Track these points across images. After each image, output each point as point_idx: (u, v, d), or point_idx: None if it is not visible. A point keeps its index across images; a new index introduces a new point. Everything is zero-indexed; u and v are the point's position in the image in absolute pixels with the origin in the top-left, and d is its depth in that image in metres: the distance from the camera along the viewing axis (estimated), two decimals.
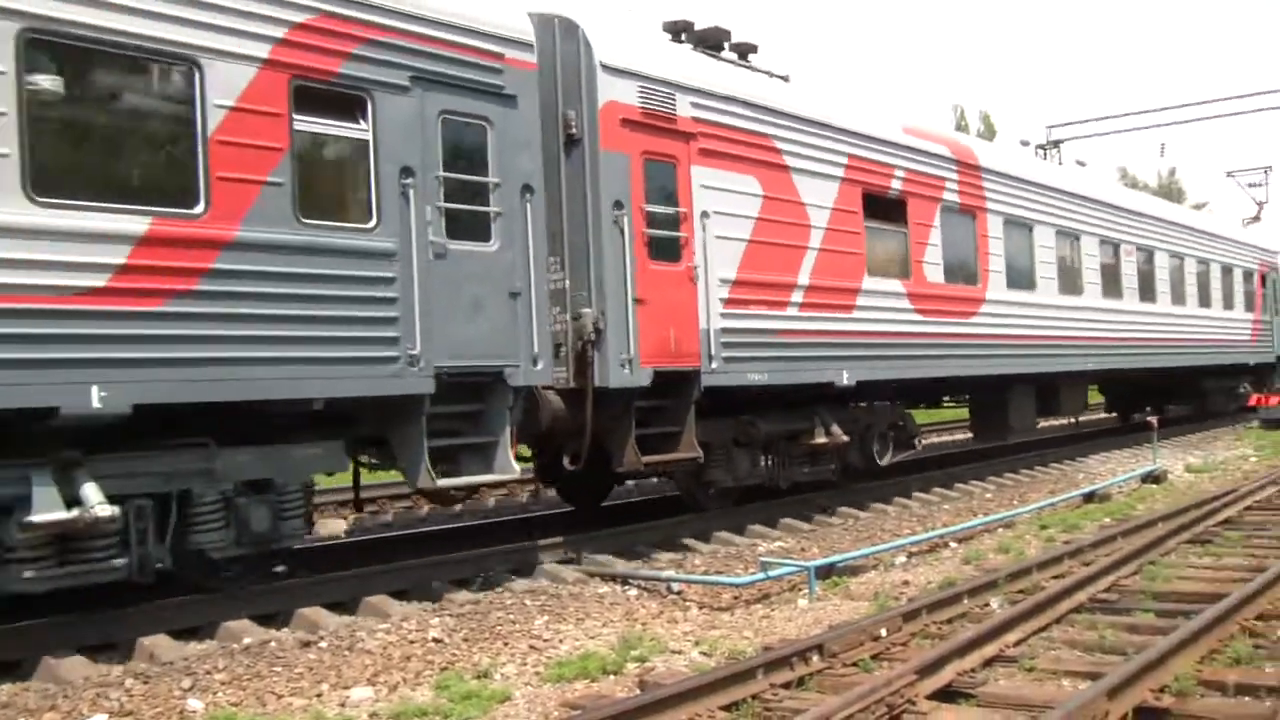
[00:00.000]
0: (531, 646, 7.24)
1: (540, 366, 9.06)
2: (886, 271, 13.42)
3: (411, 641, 7.23)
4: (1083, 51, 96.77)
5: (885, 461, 14.04)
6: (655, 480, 13.64)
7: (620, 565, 9.63)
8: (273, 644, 7.12)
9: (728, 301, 10.95)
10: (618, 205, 9.83)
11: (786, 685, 5.88)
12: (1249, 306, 25.18)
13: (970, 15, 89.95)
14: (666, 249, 10.38)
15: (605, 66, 9.79)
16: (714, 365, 10.71)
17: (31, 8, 6.33)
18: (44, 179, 6.36)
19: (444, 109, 8.44)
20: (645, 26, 12.22)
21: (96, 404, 6.46)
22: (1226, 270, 24.08)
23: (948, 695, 5.77)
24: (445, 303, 8.30)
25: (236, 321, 7.11)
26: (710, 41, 11.86)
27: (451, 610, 8.01)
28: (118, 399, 6.55)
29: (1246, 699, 5.53)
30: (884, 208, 13.48)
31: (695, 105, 10.74)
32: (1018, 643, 6.66)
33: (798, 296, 11.90)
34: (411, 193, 8.13)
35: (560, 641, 7.39)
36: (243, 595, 7.73)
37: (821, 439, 12.47)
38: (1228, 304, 24.08)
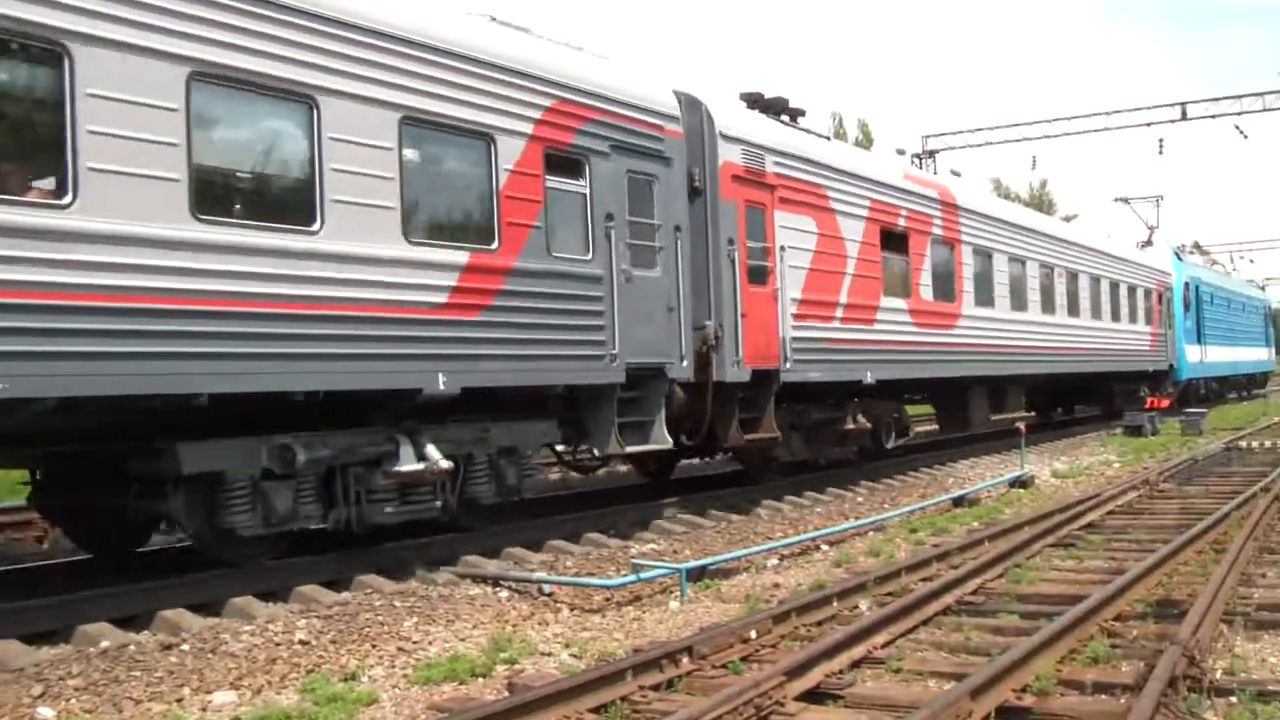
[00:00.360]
0: (400, 648, 7.22)
1: (685, 364, 11.84)
2: (895, 292, 16.55)
3: (277, 644, 7.11)
4: (958, 65, 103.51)
5: (890, 445, 17.24)
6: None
7: (491, 566, 9.54)
8: (132, 647, 6.87)
9: (796, 316, 13.88)
10: (730, 242, 12.66)
11: (655, 687, 5.90)
12: (1149, 320, 29.40)
13: (849, 25, 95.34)
14: (759, 275, 13.27)
15: (722, 135, 12.63)
16: (788, 365, 13.63)
17: (406, 101, 8.87)
18: (412, 224, 8.91)
19: (629, 168, 11.17)
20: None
21: (442, 387, 9.02)
22: (1132, 290, 28.20)
23: (816, 697, 5.82)
24: (630, 315, 11.01)
25: (516, 328, 9.73)
26: (775, 108, 14.80)
27: (319, 612, 7.85)
28: (453, 384, 9.11)
29: (1103, 696, 5.64)
30: (893, 240, 16.62)
31: (776, 163, 13.66)
32: (886, 644, 6.75)
33: (839, 312, 14.93)
34: (611, 232, 10.84)
35: (429, 643, 7.37)
36: (100, 594, 7.70)
37: (851, 425, 15.56)
38: (1132, 319, 28.19)
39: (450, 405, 9.47)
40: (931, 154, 36.66)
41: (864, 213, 15.74)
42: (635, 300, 11.12)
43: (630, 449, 11.19)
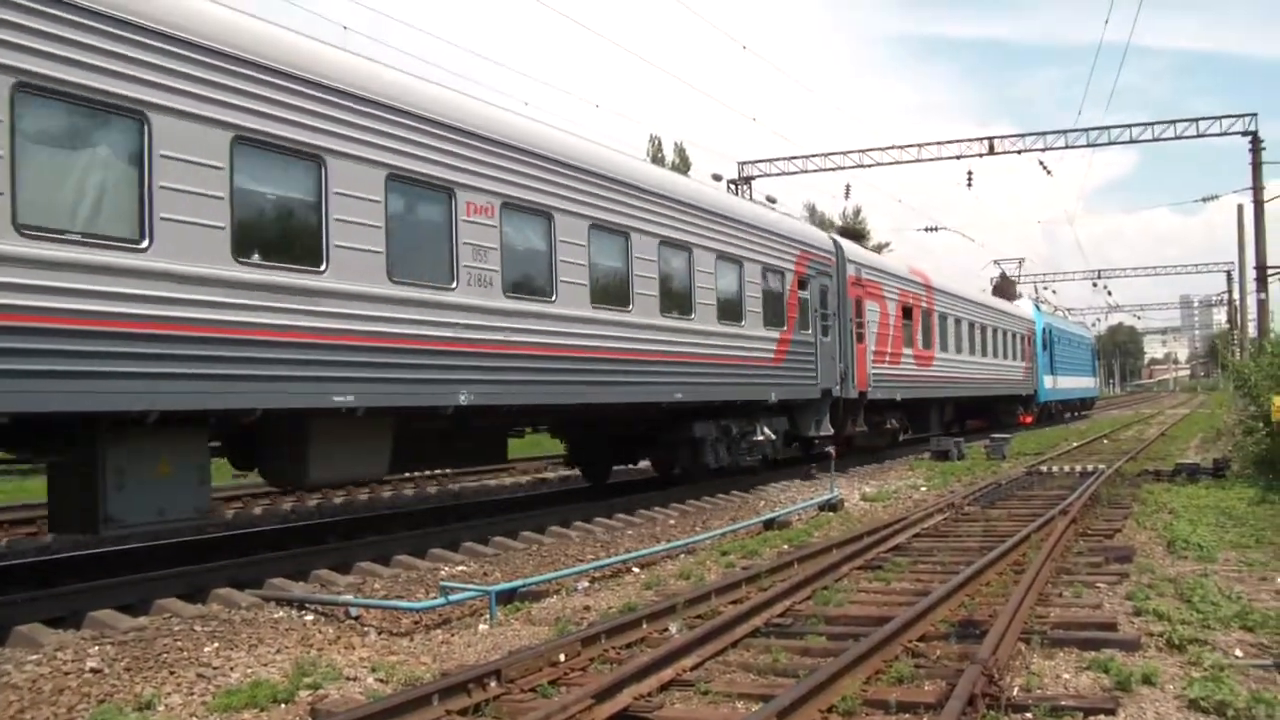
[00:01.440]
0: (200, 675, 7.01)
1: (838, 389, 21.62)
2: (908, 344, 26.86)
3: (66, 673, 6.84)
4: (772, 95, 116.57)
5: (902, 439, 27.52)
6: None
7: (297, 589, 9.40)
8: None
9: (873, 361, 23.89)
10: (849, 320, 22.55)
11: (463, 712, 5.86)
12: (1022, 357, 40.98)
13: (667, 51, 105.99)
14: (860, 338, 23.21)
15: (848, 260, 22.57)
16: (870, 388, 23.61)
17: (759, 257, 18.36)
18: (764, 317, 18.32)
19: (820, 284, 20.93)
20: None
21: (773, 399, 18.48)
22: (1014, 335, 39.69)
23: None
24: (822, 362, 20.69)
25: (792, 369, 19.28)
26: (850, 233, 24.84)
27: (113, 638, 7.62)
28: (775, 397, 18.57)
29: (907, 716, 5.77)
30: (907, 311, 26.94)
31: (865, 272, 23.70)
32: (694, 667, 6.78)
33: (887, 358, 25.06)
34: (816, 318, 20.52)
35: (231, 669, 7.18)
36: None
37: (889, 426, 25.76)
38: (1014, 357, 39.65)
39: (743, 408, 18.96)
40: (747, 180, 35.66)
41: (896, 297, 25.99)
42: (823, 354, 20.83)
43: (819, 434, 20.94)
